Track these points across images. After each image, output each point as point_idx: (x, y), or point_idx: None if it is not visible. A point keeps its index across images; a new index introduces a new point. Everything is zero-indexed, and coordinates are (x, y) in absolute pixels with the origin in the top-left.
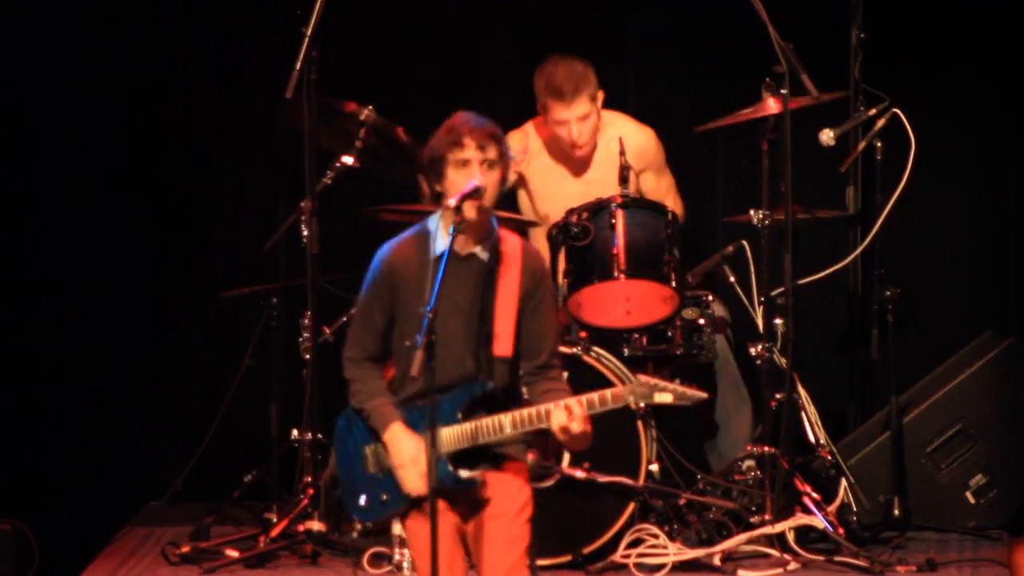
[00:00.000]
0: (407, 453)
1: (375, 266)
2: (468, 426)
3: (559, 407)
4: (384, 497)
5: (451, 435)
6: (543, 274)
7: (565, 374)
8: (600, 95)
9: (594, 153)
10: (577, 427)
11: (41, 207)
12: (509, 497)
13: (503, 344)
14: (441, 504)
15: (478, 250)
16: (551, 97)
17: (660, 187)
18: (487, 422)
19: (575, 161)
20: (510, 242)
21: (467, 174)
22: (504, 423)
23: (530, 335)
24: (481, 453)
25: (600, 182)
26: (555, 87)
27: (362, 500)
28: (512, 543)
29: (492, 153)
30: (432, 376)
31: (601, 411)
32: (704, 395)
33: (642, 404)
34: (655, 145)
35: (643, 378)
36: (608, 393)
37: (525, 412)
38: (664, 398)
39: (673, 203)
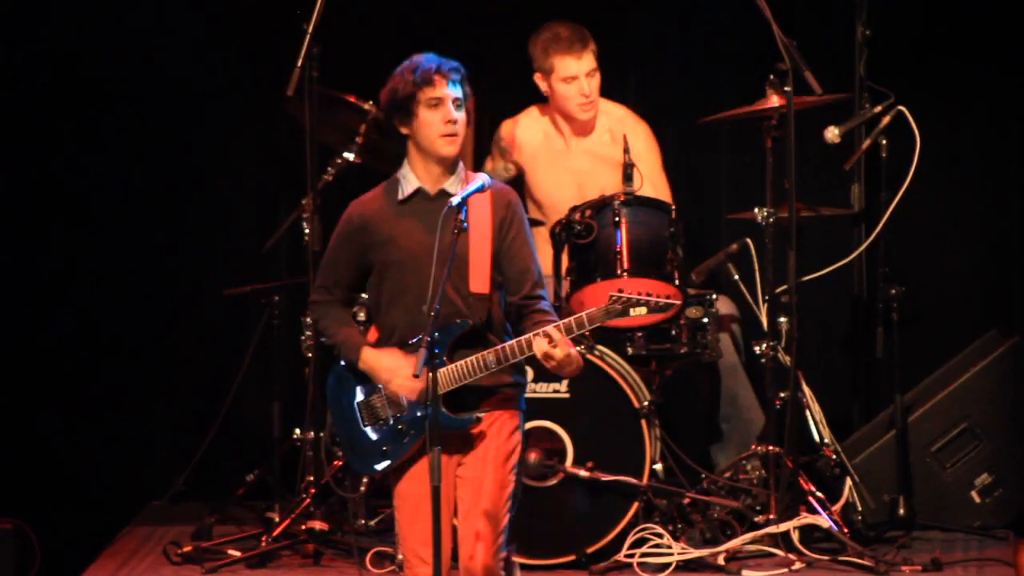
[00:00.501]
0: (386, 370)
1: (344, 217)
2: (454, 367)
3: (539, 335)
4: (384, 448)
5: (442, 377)
6: (515, 205)
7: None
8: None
9: (591, 131)
10: (560, 352)
11: (41, 206)
12: (499, 440)
13: (479, 281)
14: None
15: (447, 185)
16: (559, 53)
17: (654, 188)
18: (472, 361)
19: (567, 151)
20: (478, 178)
21: (442, 113)
22: (488, 359)
23: (509, 268)
24: (472, 392)
25: (590, 173)
26: (563, 40)
27: (365, 455)
28: (498, 487)
29: (462, 91)
30: (435, 375)
31: (580, 333)
32: (677, 302)
33: (615, 321)
34: (646, 137)
35: (615, 295)
36: (583, 315)
37: (507, 346)
38: (639, 311)
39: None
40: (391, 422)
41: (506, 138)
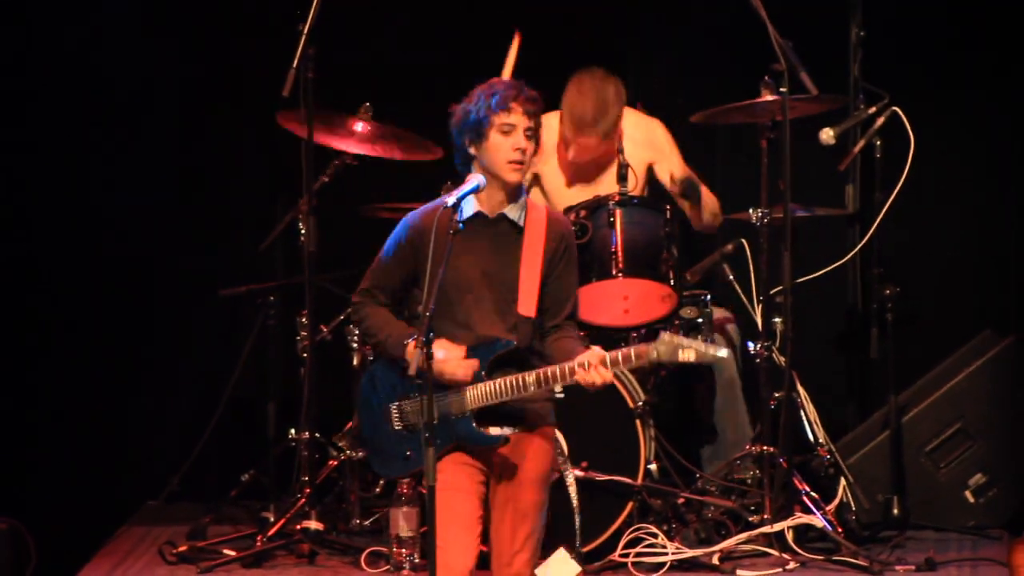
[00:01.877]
0: (440, 353)
1: (401, 226)
2: (492, 384)
3: (583, 367)
4: (408, 453)
5: (475, 393)
6: (569, 238)
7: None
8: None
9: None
10: (599, 382)
11: (40, 205)
12: (536, 462)
13: (527, 304)
14: (463, 459)
15: (507, 210)
16: (577, 132)
17: (685, 168)
18: (511, 380)
19: (588, 164)
20: (537, 207)
21: (512, 140)
22: (528, 380)
23: (553, 296)
24: (507, 412)
25: (604, 178)
26: (583, 115)
27: (389, 457)
28: (536, 510)
29: (534, 122)
30: (431, 373)
31: (625, 368)
32: (725, 354)
33: (664, 359)
34: (664, 132)
35: (666, 336)
36: (632, 351)
37: (550, 370)
38: (687, 356)
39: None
40: (419, 428)
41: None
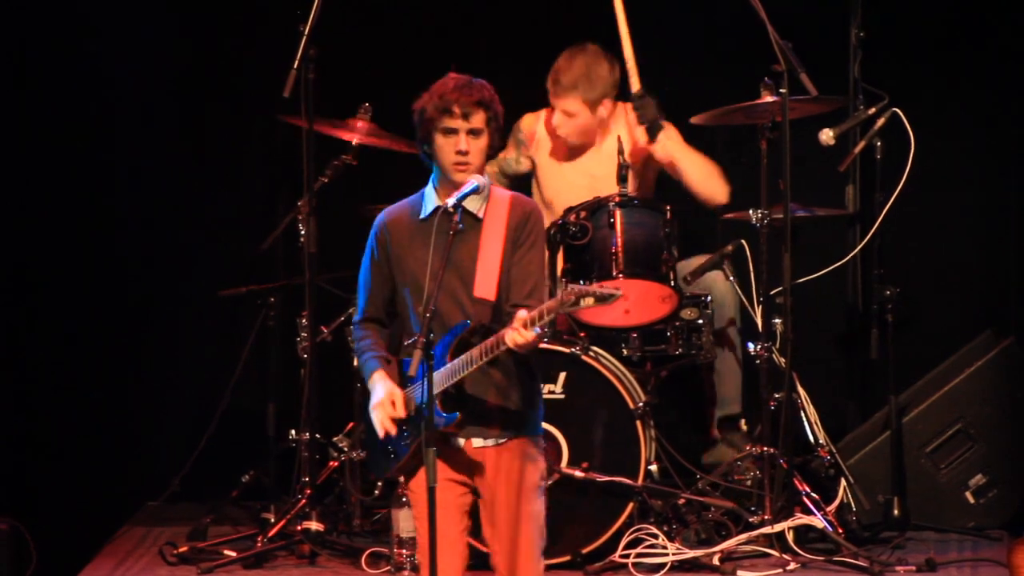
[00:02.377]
0: (376, 396)
1: (372, 231)
2: (448, 366)
3: (510, 329)
4: (391, 449)
5: (438, 378)
6: (533, 220)
7: (563, 375)
8: (606, 102)
9: (602, 144)
10: (521, 341)
11: (39, 204)
12: (521, 472)
13: (484, 286)
14: (443, 474)
15: (467, 203)
16: (560, 94)
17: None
18: (462, 357)
19: (581, 152)
20: (500, 195)
21: (454, 142)
22: (473, 355)
23: (514, 276)
24: (483, 417)
25: (606, 178)
26: (565, 80)
27: (377, 459)
28: (525, 519)
29: (478, 120)
30: (431, 375)
31: (544, 322)
32: (619, 293)
33: (571, 310)
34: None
35: (571, 287)
36: (544, 307)
37: (486, 342)
38: (587, 303)
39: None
40: (400, 426)
41: (526, 131)
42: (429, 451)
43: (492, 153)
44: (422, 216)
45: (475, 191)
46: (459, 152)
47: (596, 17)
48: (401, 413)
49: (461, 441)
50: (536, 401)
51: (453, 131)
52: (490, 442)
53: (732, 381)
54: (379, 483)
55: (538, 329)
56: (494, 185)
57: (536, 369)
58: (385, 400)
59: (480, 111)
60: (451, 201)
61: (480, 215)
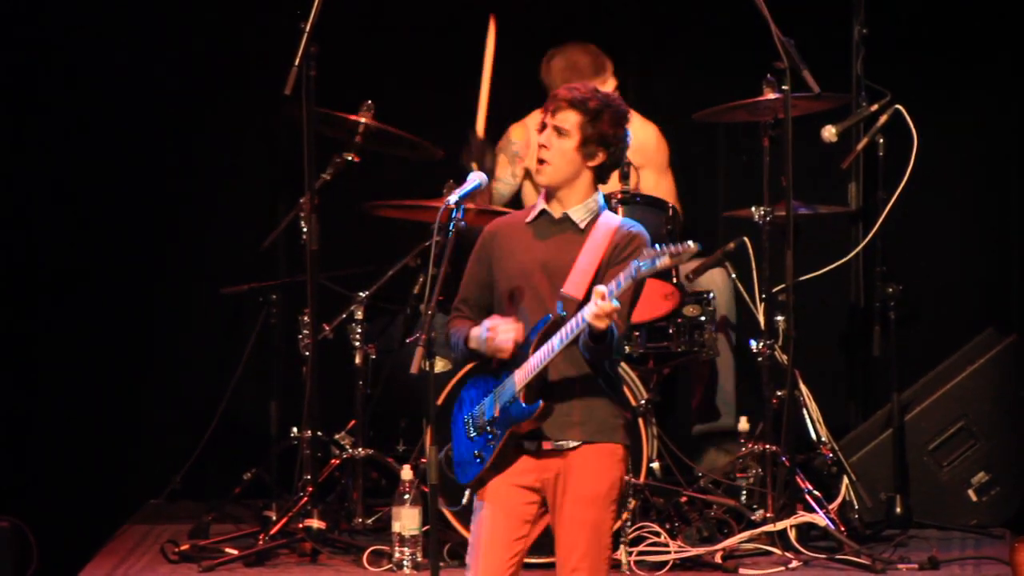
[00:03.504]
0: (487, 327)
1: (481, 235)
2: (530, 358)
3: (588, 306)
4: (477, 453)
5: (521, 373)
6: (636, 240)
7: None
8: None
9: None
10: (605, 308)
11: (40, 204)
12: (596, 479)
13: (575, 285)
14: (516, 480)
15: (571, 212)
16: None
17: (659, 189)
18: (543, 347)
19: None
20: (609, 216)
21: (538, 138)
22: (554, 342)
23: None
24: (570, 419)
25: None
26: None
27: (464, 465)
28: (586, 527)
29: (576, 120)
30: (431, 373)
31: (621, 291)
32: (691, 246)
33: (645, 274)
34: (657, 141)
35: (645, 251)
36: (621, 274)
37: (566, 327)
38: (663, 263)
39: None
40: (486, 428)
41: (519, 143)
42: (432, 449)
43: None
44: (528, 219)
45: (479, 188)
46: (540, 146)
47: (597, 17)
48: (521, 336)
49: (534, 445)
50: (619, 408)
51: (542, 127)
52: (569, 444)
53: (727, 380)
54: (383, 481)
55: (616, 301)
56: (607, 210)
57: (617, 377)
58: (502, 321)
59: (582, 110)
60: (452, 199)
61: (583, 226)
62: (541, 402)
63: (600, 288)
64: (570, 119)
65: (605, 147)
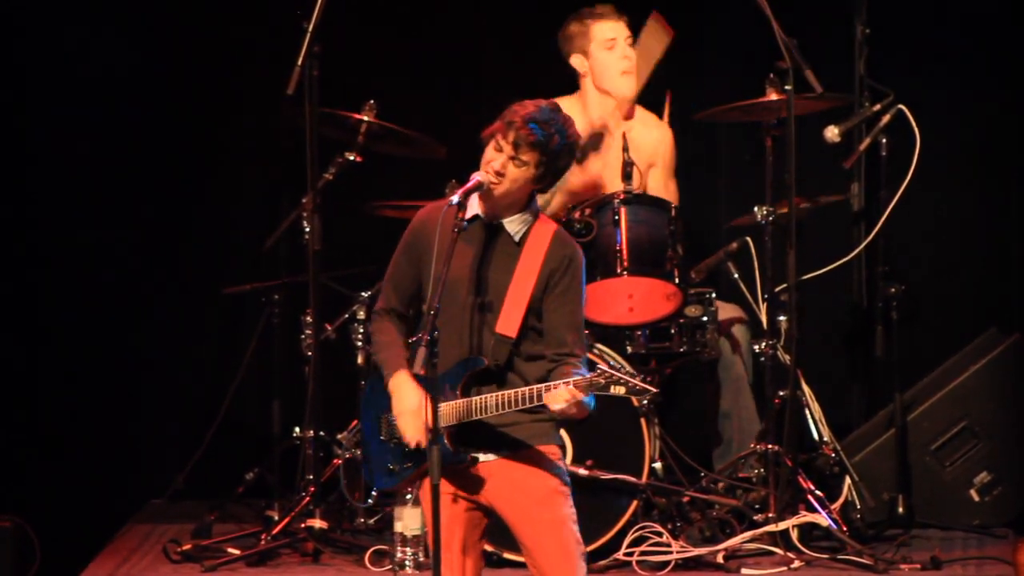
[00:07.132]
0: (407, 402)
1: (411, 223)
2: (460, 402)
3: (552, 389)
4: (390, 466)
5: (446, 411)
6: (572, 263)
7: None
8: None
9: (605, 142)
10: (566, 409)
11: (42, 204)
12: (535, 481)
13: (508, 323)
14: (449, 489)
15: (506, 222)
16: (596, 20)
17: (667, 191)
18: (477, 400)
19: (584, 154)
20: (545, 226)
21: (490, 157)
22: (490, 402)
23: (552, 322)
24: (484, 431)
25: (608, 182)
26: (597, 11)
27: (375, 468)
28: (549, 528)
29: (529, 151)
30: (435, 372)
31: (582, 397)
32: (653, 390)
33: (598, 393)
34: (671, 145)
35: (604, 370)
36: (575, 385)
37: (513, 392)
38: (618, 390)
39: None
40: (399, 443)
41: None
42: (433, 448)
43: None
44: (463, 218)
45: (479, 190)
46: (488, 162)
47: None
48: (424, 443)
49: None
50: (546, 411)
51: (497, 147)
52: (497, 456)
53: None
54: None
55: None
56: (544, 215)
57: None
58: (419, 409)
59: (532, 147)
60: (455, 199)
61: (517, 239)
62: (469, 457)
63: (569, 390)
64: (529, 155)
65: (556, 177)
